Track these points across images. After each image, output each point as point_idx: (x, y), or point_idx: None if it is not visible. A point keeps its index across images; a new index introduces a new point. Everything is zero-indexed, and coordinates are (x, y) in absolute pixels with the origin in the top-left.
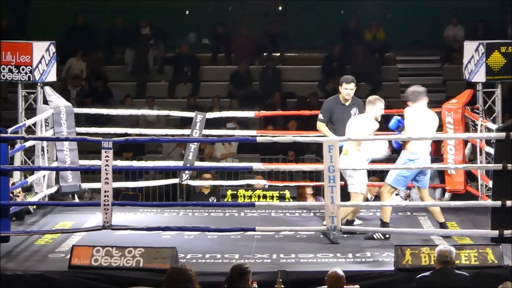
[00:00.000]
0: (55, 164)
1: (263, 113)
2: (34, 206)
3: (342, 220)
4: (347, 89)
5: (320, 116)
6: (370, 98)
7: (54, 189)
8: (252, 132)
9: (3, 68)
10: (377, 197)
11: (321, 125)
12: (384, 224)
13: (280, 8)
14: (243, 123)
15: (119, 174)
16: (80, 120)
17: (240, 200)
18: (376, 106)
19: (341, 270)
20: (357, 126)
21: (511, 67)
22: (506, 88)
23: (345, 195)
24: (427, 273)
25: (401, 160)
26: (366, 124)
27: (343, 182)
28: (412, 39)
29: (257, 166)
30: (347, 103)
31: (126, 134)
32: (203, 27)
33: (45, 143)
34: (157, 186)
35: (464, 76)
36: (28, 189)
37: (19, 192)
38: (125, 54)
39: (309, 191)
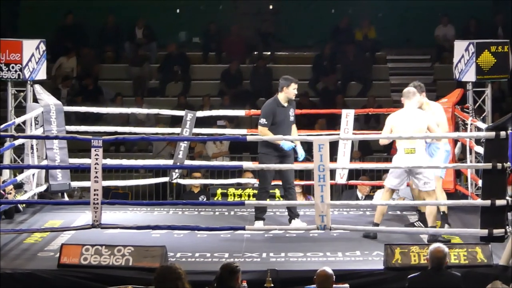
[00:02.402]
0: (44, 163)
1: (254, 111)
2: (24, 205)
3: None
4: (295, 89)
5: (264, 121)
6: (413, 90)
7: (43, 187)
8: (243, 131)
9: None
10: (368, 197)
11: (265, 130)
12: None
13: (271, 7)
14: (234, 122)
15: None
16: (70, 118)
17: (230, 199)
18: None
19: (330, 269)
20: (423, 122)
21: (501, 66)
22: (496, 88)
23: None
24: (418, 273)
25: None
26: (430, 118)
27: (333, 181)
28: (403, 38)
29: (247, 165)
30: (286, 104)
31: (116, 133)
32: (194, 25)
33: (34, 142)
34: (147, 184)
35: (455, 76)
36: (19, 186)
37: (11, 190)
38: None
39: (298, 189)
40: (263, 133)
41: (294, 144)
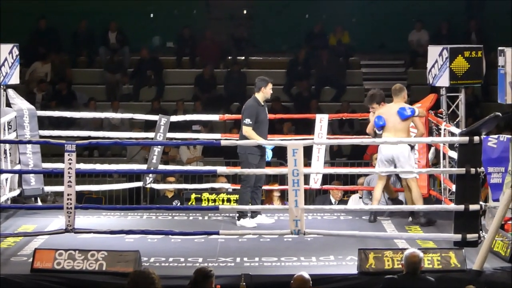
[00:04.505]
0: (18, 167)
1: (228, 116)
2: None
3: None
4: (271, 89)
5: (248, 121)
6: (398, 86)
7: (16, 192)
8: (217, 136)
9: None
10: (341, 202)
11: (250, 130)
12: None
13: (245, 11)
14: (208, 127)
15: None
16: (44, 123)
17: (204, 204)
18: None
19: (307, 274)
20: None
21: (475, 72)
22: (469, 93)
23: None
24: (395, 276)
25: None
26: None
27: (307, 186)
28: (377, 43)
29: (221, 169)
30: (263, 104)
31: (89, 137)
32: (168, 30)
33: (7, 146)
34: (121, 189)
35: (428, 81)
36: None
37: None
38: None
39: (276, 194)
40: (248, 133)
41: (273, 146)
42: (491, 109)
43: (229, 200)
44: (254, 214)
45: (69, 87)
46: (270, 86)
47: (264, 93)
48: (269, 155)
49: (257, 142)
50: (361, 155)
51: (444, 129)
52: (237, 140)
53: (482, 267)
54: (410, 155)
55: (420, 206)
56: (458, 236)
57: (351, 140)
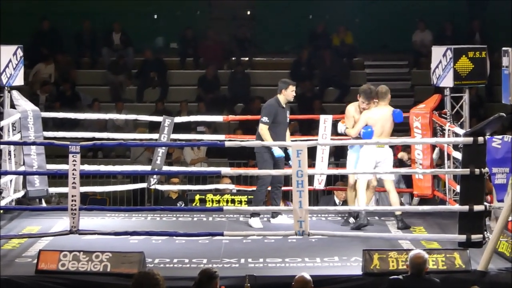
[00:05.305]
0: (22, 169)
1: (232, 117)
2: (1, 211)
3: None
4: (293, 92)
5: (266, 119)
6: (385, 88)
7: (21, 193)
8: (221, 137)
9: None
10: (345, 202)
11: (266, 129)
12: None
13: (248, 12)
14: (212, 128)
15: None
16: (48, 124)
17: (208, 205)
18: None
19: (308, 274)
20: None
21: (479, 72)
22: (473, 93)
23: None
24: (400, 276)
25: None
26: None
27: (311, 187)
28: (380, 44)
29: (225, 170)
30: (284, 106)
31: (94, 139)
32: (171, 31)
33: (12, 147)
34: (125, 190)
35: (432, 81)
36: None
37: None
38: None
39: None
40: (263, 131)
41: (283, 154)
42: (495, 109)
43: (233, 201)
44: (274, 214)
45: (73, 88)
46: (291, 88)
47: (285, 95)
48: (275, 153)
49: (261, 143)
50: None
51: (448, 129)
52: (242, 140)
53: (486, 267)
54: (392, 160)
55: (424, 207)
56: (463, 237)
57: (355, 141)
